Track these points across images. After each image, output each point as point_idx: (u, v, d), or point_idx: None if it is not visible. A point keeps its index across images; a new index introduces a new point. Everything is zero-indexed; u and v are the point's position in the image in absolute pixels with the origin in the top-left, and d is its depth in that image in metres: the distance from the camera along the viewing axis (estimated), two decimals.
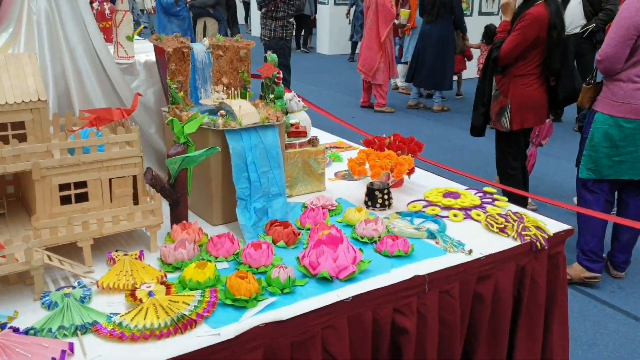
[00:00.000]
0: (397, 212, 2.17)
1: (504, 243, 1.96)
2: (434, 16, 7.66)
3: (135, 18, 11.94)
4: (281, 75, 2.25)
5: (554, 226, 2.08)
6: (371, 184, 2.22)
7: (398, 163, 2.16)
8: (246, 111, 2.00)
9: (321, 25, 14.85)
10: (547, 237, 1.99)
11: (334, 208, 2.19)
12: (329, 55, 14.33)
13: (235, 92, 2.26)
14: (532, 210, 2.57)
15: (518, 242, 1.95)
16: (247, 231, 1.92)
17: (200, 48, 2.23)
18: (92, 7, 2.74)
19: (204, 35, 8.73)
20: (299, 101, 2.47)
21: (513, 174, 3.93)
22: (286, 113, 2.50)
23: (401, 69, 9.23)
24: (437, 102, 8.38)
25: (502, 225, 2.02)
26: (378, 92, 8.07)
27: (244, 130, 1.98)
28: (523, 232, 1.97)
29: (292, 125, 2.39)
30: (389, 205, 2.22)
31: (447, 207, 2.21)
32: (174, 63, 2.12)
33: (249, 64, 2.27)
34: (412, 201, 2.28)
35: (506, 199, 2.30)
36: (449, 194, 2.31)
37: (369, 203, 2.22)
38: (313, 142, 2.35)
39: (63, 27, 2.02)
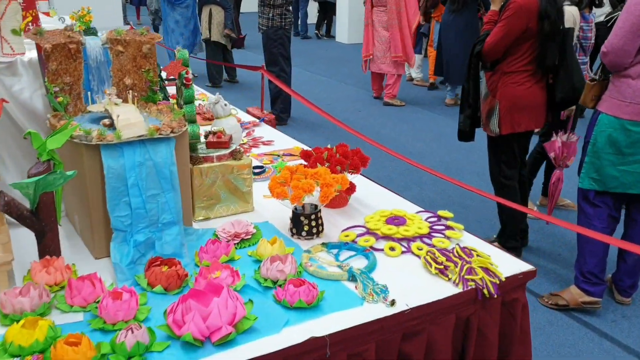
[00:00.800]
0: (322, 244, 1.78)
1: (443, 289, 1.56)
2: (460, 4, 7.11)
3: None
4: (190, 76, 1.88)
5: (512, 266, 1.68)
6: (295, 208, 1.85)
7: (326, 184, 1.77)
8: (128, 121, 1.64)
9: (340, 13, 14.36)
10: (497, 282, 1.58)
11: (249, 237, 1.83)
12: (348, 44, 13.87)
13: (140, 94, 1.91)
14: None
15: (460, 289, 1.56)
16: (120, 271, 1.57)
17: (94, 43, 1.88)
18: None
19: (210, 25, 8.41)
20: (225, 105, 2.10)
21: (507, 183, 3.48)
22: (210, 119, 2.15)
23: (417, 59, 8.74)
24: (450, 95, 7.88)
25: (443, 266, 1.62)
26: (395, 82, 7.59)
27: (126, 145, 1.63)
28: (467, 276, 1.57)
29: (213, 134, 2.03)
30: (318, 233, 1.84)
31: (386, 237, 1.83)
32: (56, 62, 1.77)
33: (155, 61, 1.91)
34: (348, 228, 1.90)
35: (461, 227, 1.90)
36: (392, 220, 1.91)
37: (294, 231, 1.85)
38: (235, 154, 1.98)
39: None
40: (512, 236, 3.63)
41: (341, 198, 2.07)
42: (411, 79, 9.31)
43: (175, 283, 1.53)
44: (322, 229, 1.86)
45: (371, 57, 7.55)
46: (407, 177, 5.13)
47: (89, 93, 1.87)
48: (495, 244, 3.28)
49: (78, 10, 2.65)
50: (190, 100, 1.88)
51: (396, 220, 1.91)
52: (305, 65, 10.48)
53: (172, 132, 1.68)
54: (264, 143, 2.78)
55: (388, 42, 7.37)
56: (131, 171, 1.61)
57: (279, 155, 2.61)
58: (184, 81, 1.87)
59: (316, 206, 1.85)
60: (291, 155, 2.62)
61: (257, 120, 3.10)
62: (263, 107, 6.33)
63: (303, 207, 1.85)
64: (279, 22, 6.41)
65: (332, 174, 1.86)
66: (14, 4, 1.91)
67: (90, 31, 5.47)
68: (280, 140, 2.84)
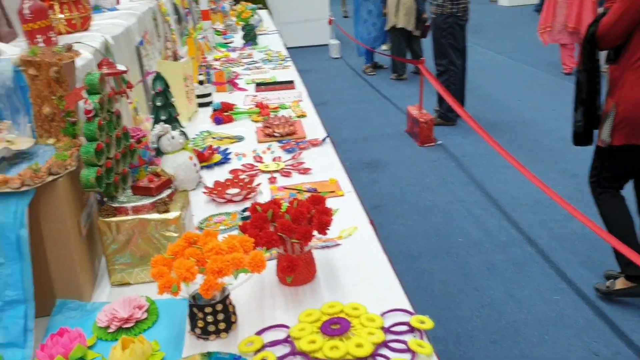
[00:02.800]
0: (204, 354, 1.25)
1: None
2: None
3: None
4: (92, 107, 1.47)
5: None
6: (193, 296, 1.34)
7: (212, 269, 1.23)
8: None
9: None
10: None
11: (143, 318, 1.38)
12: (509, 6, 12.37)
13: (60, 126, 1.57)
14: None
15: None
16: None
17: (2, 66, 1.57)
18: None
19: (397, 11, 7.85)
20: (172, 137, 1.66)
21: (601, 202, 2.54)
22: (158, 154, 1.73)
23: None
24: None
25: None
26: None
27: None
28: None
29: (154, 174, 1.61)
30: (218, 332, 1.32)
31: (306, 355, 1.22)
32: None
33: (67, 86, 1.54)
34: (263, 329, 1.33)
35: (428, 347, 1.20)
36: (328, 325, 1.29)
37: (190, 327, 1.35)
38: (158, 205, 1.53)
39: None
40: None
41: (302, 271, 1.50)
42: None
43: None
44: (231, 325, 1.33)
45: (550, 28, 6.59)
46: None
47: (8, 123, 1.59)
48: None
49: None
50: (91, 137, 1.48)
51: (335, 326, 1.29)
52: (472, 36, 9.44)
53: (23, 184, 1.31)
54: (300, 171, 2.27)
55: (567, 11, 6.59)
56: None
57: (298, 191, 2.08)
58: (84, 113, 1.47)
59: (218, 294, 1.33)
60: (315, 191, 2.07)
61: (319, 139, 2.58)
62: (422, 105, 5.67)
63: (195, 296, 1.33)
64: (449, 8, 5.64)
65: (248, 250, 1.31)
66: None
67: (248, 29, 5.32)
68: (323, 166, 2.30)
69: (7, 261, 1.30)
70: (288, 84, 3.69)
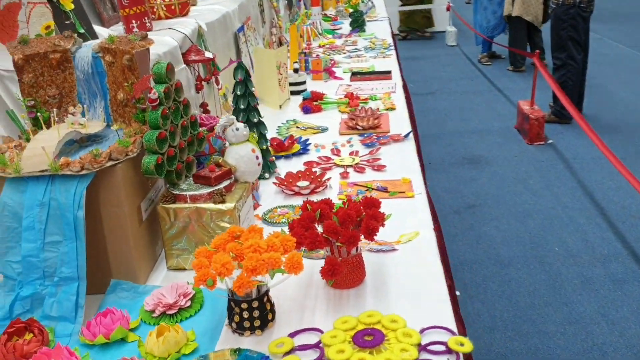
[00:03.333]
0: (234, 350, 1.26)
1: None
2: None
3: None
4: (156, 96, 1.51)
5: None
6: (232, 290, 1.35)
7: (249, 268, 1.23)
8: (32, 152, 1.39)
9: None
10: None
11: (186, 306, 1.42)
12: None
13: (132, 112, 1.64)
14: None
15: None
16: None
17: (82, 52, 1.66)
18: None
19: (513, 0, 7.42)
20: (237, 129, 1.67)
21: None
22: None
23: None
24: None
25: None
26: None
27: (32, 180, 1.38)
28: None
29: (217, 165, 1.64)
30: (254, 329, 1.32)
31: None
32: (32, 73, 1.61)
33: (138, 73, 1.59)
34: (297, 331, 1.31)
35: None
36: (361, 336, 1.25)
37: (227, 320, 1.36)
38: (215, 196, 1.55)
39: None
40: None
41: (348, 275, 1.46)
42: None
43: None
44: (267, 322, 1.33)
45: None
46: None
47: (85, 106, 1.68)
48: None
49: None
50: (154, 125, 1.52)
51: (368, 337, 1.25)
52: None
53: (82, 168, 1.37)
54: (374, 167, 2.21)
55: None
56: (29, 211, 1.37)
57: (367, 188, 2.03)
58: (148, 102, 1.52)
59: (260, 287, 1.32)
60: (385, 190, 2.01)
61: (401, 135, 2.50)
62: (533, 101, 5.36)
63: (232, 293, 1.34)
64: None
65: (288, 249, 1.30)
66: (39, 7, 1.81)
67: (356, 15, 5.31)
68: (399, 164, 2.23)
69: (65, 240, 1.38)
70: (385, 74, 3.62)
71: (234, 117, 1.69)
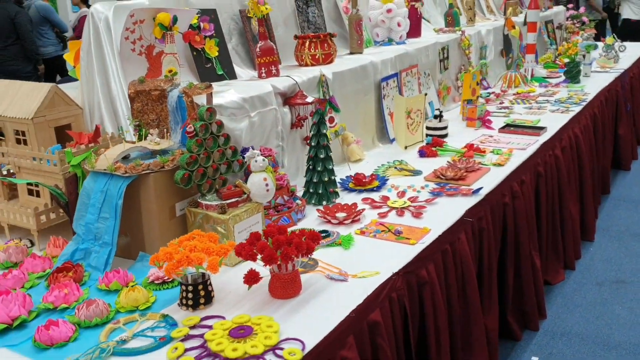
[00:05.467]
0: (164, 315, 1.76)
1: None
2: None
3: None
4: (192, 129, 2.09)
5: None
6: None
7: (177, 260, 1.73)
8: (104, 156, 2.09)
9: None
10: None
11: (169, 280, 1.97)
12: None
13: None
14: None
15: None
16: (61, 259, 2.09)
17: (173, 93, 2.32)
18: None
19: None
20: (256, 161, 2.15)
21: None
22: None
23: None
24: None
25: None
26: None
27: (100, 174, 2.10)
28: None
29: (235, 185, 2.17)
30: (189, 306, 1.80)
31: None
32: (140, 103, 2.33)
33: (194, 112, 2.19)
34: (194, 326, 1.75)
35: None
36: (237, 331, 1.64)
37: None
38: (219, 207, 2.07)
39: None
40: None
41: (281, 288, 1.84)
42: None
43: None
44: (199, 304, 1.80)
45: None
46: None
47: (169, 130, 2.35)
48: None
49: None
50: (189, 150, 2.10)
51: (241, 330, 1.63)
52: None
53: (125, 172, 2.03)
54: (413, 214, 2.44)
55: None
56: (95, 194, 2.08)
57: (385, 229, 2.30)
58: (186, 133, 2.11)
59: (203, 275, 1.81)
60: (399, 233, 2.26)
61: (471, 190, 2.65)
62: None
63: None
64: None
65: (222, 255, 1.76)
66: (169, 56, 2.55)
67: (571, 65, 5.24)
68: (441, 216, 2.42)
69: (110, 217, 2.05)
70: (537, 130, 3.61)
71: (257, 152, 2.18)
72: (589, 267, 3.83)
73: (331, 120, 3.08)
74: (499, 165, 3.01)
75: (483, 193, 2.64)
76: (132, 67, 2.56)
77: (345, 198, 2.68)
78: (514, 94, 4.79)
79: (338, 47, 3.79)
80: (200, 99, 2.33)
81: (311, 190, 2.63)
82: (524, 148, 3.28)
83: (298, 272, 1.87)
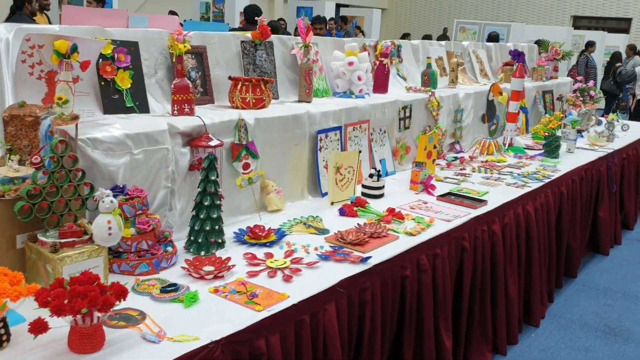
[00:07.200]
0: None
1: None
2: None
3: None
4: (38, 160, 2.00)
5: None
6: None
7: None
8: None
9: None
10: None
11: None
12: None
13: None
14: None
15: None
16: None
17: (45, 122, 2.24)
18: None
19: None
20: (104, 201, 2.04)
21: None
22: None
23: None
24: None
25: None
26: None
27: None
28: None
29: (77, 225, 2.05)
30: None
31: None
32: (14, 128, 2.26)
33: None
34: None
35: None
36: None
37: None
38: (52, 246, 1.96)
39: None
40: None
41: (78, 341, 1.70)
42: None
43: None
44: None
45: None
46: None
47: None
48: None
49: None
50: (33, 181, 2.00)
51: None
52: None
53: None
54: (286, 277, 2.29)
55: None
56: None
57: (242, 290, 2.15)
58: (31, 164, 2.01)
59: None
60: (254, 297, 2.10)
61: (359, 258, 2.48)
62: None
63: None
64: None
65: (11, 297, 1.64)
66: (63, 84, 2.48)
67: (549, 140, 5.07)
68: (315, 282, 2.26)
69: None
70: (476, 202, 3.41)
71: (108, 191, 2.07)
72: (523, 355, 3.57)
73: (246, 166, 2.97)
74: (411, 234, 2.83)
75: (372, 262, 2.46)
76: (29, 90, 2.50)
77: (233, 250, 2.54)
78: (482, 161, 4.61)
79: (291, 94, 3.72)
80: (72, 130, 2.24)
81: (192, 238, 2.50)
82: (448, 220, 3.10)
83: (101, 326, 1.73)
